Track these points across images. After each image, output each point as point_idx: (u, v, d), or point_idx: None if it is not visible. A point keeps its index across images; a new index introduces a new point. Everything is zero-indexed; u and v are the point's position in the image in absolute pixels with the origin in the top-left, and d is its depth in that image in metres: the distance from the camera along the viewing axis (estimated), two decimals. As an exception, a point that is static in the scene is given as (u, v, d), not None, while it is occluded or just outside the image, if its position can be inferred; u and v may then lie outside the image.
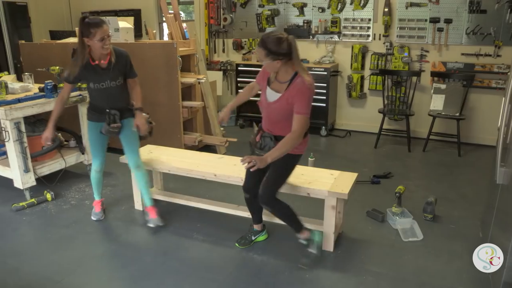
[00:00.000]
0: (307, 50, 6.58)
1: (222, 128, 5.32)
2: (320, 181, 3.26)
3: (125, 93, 3.36)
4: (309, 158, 4.57)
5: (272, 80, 2.85)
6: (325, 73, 6.07)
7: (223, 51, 7.23)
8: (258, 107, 2.94)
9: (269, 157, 2.70)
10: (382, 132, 5.89)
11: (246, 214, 3.52)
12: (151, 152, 4.00)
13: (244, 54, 7.04)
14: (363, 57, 6.25)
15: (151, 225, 3.59)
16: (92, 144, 3.51)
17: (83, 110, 4.53)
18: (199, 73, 5.40)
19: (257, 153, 2.86)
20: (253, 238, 3.35)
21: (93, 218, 3.76)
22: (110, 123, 3.35)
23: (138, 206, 3.97)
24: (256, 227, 3.36)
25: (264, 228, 3.41)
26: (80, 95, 4.40)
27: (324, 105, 6.17)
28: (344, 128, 6.59)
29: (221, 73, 7.06)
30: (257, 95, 3.08)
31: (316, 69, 6.11)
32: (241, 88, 6.78)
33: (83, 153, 4.64)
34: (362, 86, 6.38)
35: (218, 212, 3.72)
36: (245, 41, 7.03)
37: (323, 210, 3.21)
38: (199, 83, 5.28)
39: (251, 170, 2.70)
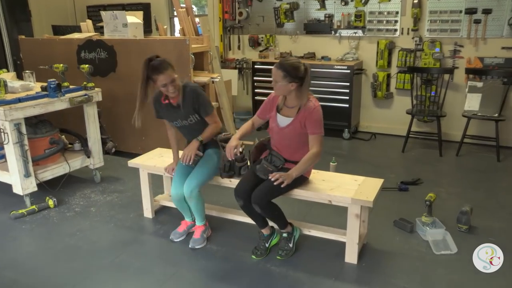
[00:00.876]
0: (328, 46, 6.58)
1: (236, 130, 5.34)
2: (342, 188, 3.25)
3: (205, 128, 3.47)
4: (331, 163, 4.56)
5: (281, 107, 3.18)
6: (348, 71, 6.05)
7: (239, 48, 7.26)
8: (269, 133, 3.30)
9: (294, 173, 3.06)
10: (410, 135, 5.85)
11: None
12: (161, 156, 4.04)
13: (261, 51, 7.05)
14: (390, 54, 6.21)
15: (190, 245, 3.48)
16: (176, 173, 3.55)
17: (88, 111, 4.59)
18: (213, 72, 5.43)
19: (265, 166, 3.15)
20: (267, 245, 3.36)
21: (171, 237, 3.58)
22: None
23: (147, 213, 4.00)
24: (265, 231, 3.38)
25: (274, 230, 3.44)
26: (85, 94, 4.46)
27: (347, 105, 6.15)
28: (368, 131, 6.57)
29: (236, 71, 7.09)
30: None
31: (338, 67, 6.10)
32: (258, 88, 6.81)
33: (88, 157, 4.70)
34: (388, 85, 6.35)
35: (232, 220, 3.73)
36: (262, 37, 7.05)
37: (346, 219, 3.19)
38: (213, 82, 5.31)
39: (281, 186, 3.02)
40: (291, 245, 3.32)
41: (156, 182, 4.25)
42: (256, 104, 6.83)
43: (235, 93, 6.99)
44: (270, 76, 6.57)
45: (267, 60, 6.74)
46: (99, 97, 4.65)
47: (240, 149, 3.33)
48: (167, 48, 4.98)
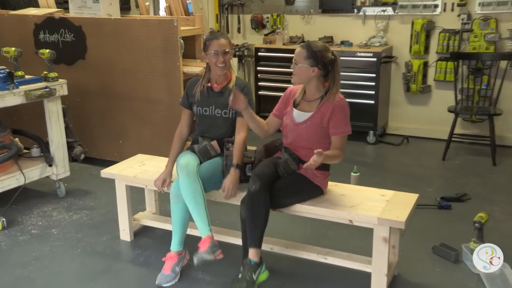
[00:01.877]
0: (350, 28, 6.58)
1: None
2: (367, 204, 3.24)
3: (229, 130, 3.60)
4: (352, 173, 4.55)
5: (298, 101, 3.34)
6: (374, 59, 6.05)
7: (239, 31, 7.27)
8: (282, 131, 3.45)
9: (326, 156, 3.08)
10: (453, 139, 5.83)
11: (268, 247, 3.51)
12: (143, 164, 4.03)
13: (266, 35, 7.06)
14: (428, 37, 6.22)
15: (194, 261, 3.28)
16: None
17: (50, 108, 4.59)
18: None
19: (289, 163, 3.31)
20: (254, 277, 3.20)
21: (158, 282, 3.38)
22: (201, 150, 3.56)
23: (124, 235, 3.99)
24: (254, 256, 3.20)
25: (262, 261, 3.29)
26: (46, 87, 4.46)
27: (373, 102, 6.15)
28: (399, 133, 6.57)
29: (235, 60, 7.11)
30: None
31: (362, 54, 6.10)
32: (262, 80, 6.81)
33: (50, 165, 4.69)
34: (425, 76, 6.35)
35: (230, 243, 3.71)
36: (268, 18, 7.07)
37: (371, 244, 3.17)
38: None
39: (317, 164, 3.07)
40: (255, 276, 3.19)
41: (136, 196, 4.24)
42: (261, 101, 6.83)
43: (234, 86, 6.99)
44: (277, 66, 6.69)
45: (273, 46, 6.74)
46: (64, 90, 4.65)
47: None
48: (150, 31, 4.98)
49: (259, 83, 6.85)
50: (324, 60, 3.18)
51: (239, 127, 3.55)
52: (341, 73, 6.12)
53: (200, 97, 3.59)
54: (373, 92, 6.13)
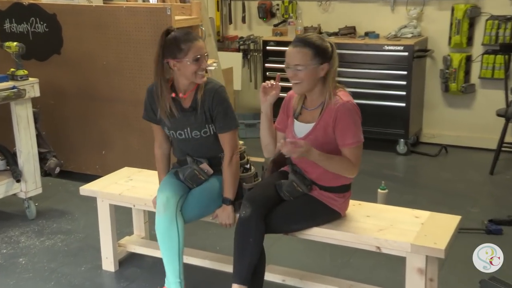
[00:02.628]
0: (376, 17, 6.58)
1: (241, 142, 5.32)
2: (398, 228, 3.21)
3: (219, 146, 3.52)
4: (379, 190, 4.52)
5: (298, 111, 3.26)
6: (406, 53, 6.04)
7: (243, 20, 7.28)
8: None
9: (316, 153, 3.04)
10: (503, 148, 5.80)
11: (280, 278, 3.49)
12: (130, 179, 4.03)
13: (276, 26, 7.05)
14: (472, 25, 6.20)
15: None
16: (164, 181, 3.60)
17: (18, 112, 4.58)
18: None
19: (295, 185, 3.21)
20: None
21: None
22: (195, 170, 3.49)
23: (107, 265, 3.96)
24: None
25: None
26: (13, 87, 4.46)
27: (403, 105, 6.13)
28: (436, 142, 6.54)
29: (239, 55, 7.09)
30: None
31: (390, 47, 6.09)
32: (272, 79, 6.74)
33: (18, 180, 4.69)
34: (468, 73, 6.32)
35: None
36: (278, 5, 7.07)
37: (402, 276, 3.14)
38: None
39: (292, 156, 3.09)
40: None
41: (122, 218, 4.24)
42: (269, 103, 6.80)
43: (238, 86, 7.00)
44: None
45: (284, 39, 6.72)
46: (35, 91, 4.65)
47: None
48: (139, 21, 4.99)
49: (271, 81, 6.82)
50: (328, 53, 3.11)
51: (222, 143, 3.46)
52: (366, 71, 6.29)
53: (168, 120, 3.46)
54: (404, 93, 6.10)
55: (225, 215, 3.43)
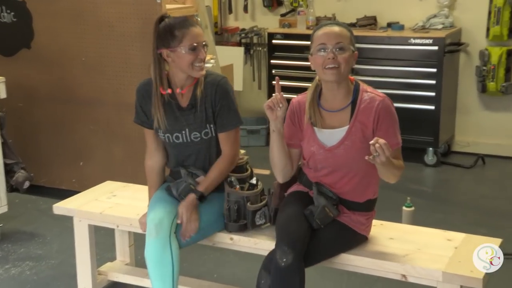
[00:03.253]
0: (400, 4, 6.61)
1: (243, 151, 5.33)
2: (427, 253, 3.20)
3: (216, 156, 3.53)
4: (404, 208, 4.51)
5: (315, 116, 3.20)
6: (435, 47, 6.05)
7: (245, 9, 7.30)
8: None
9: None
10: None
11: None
12: (114, 195, 4.02)
13: (283, 16, 7.09)
14: (514, 14, 6.23)
15: None
16: (155, 199, 3.56)
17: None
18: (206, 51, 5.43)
19: (327, 211, 3.15)
20: None
21: None
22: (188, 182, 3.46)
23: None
24: None
25: None
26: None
27: (433, 107, 6.15)
28: (471, 151, 6.57)
29: (241, 50, 7.13)
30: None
31: (417, 41, 6.10)
32: (277, 77, 6.77)
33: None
34: (509, 70, 6.33)
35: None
36: (286, -9, 7.12)
37: (434, 309, 3.13)
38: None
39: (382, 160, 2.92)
40: None
41: (103, 241, 4.23)
42: (275, 106, 6.80)
43: (239, 86, 7.03)
44: (298, 58, 6.67)
45: (293, 31, 6.76)
46: (0, 92, 4.68)
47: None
48: (123, 11, 5.00)
49: (273, 82, 6.81)
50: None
51: (223, 144, 3.47)
52: (389, 68, 6.30)
53: (164, 120, 3.45)
54: (433, 94, 6.11)
55: (184, 206, 3.34)
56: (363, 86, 3.20)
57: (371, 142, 2.87)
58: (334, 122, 3.18)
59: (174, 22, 3.36)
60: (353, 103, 3.14)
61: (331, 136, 3.17)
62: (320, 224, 3.13)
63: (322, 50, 3.08)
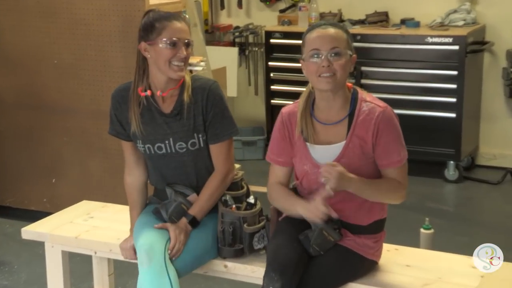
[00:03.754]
0: (417, 0, 6.64)
1: (237, 165, 5.32)
2: (448, 282, 3.18)
3: (210, 167, 3.50)
4: (422, 230, 4.49)
5: (309, 129, 3.15)
6: (456, 47, 6.07)
7: (240, 5, 7.32)
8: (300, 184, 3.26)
9: (356, 179, 2.98)
10: None
11: None
12: (90, 216, 4.00)
13: (282, 12, 7.12)
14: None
15: None
16: (141, 224, 3.51)
17: None
18: (190, 53, 5.42)
19: (326, 235, 3.09)
20: None
21: None
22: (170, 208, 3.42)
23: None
24: None
25: None
26: None
27: (454, 115, 6.16)
28: (498, 165, 6.60)
29: (235, 51, 7.17)
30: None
31: (435, 39, 6.13)
32: (276, 82, 6.84)
33: None
34: (539, 72, 6.33)
35: None
36: (285, -17, 7.15)
37: None
38: (191, 72, 5.31)
39: (331, 186, 2.93)
40: None
41: (79, 269, 4.24)
42: (274, 113, 6.81)
43: (233, 92, 7.05)
44: (297, 60, 6.55)
45: (293, 29, 6.78)
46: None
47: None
48: (101, 6, 5.01)
49: (271, 87, 6.88)
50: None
51: (216, 158, 3.44)
52: (402, 70, 6.30)
53: (142, 129, 3.42)
54: (454, 100, 6.12)
55: (177, 228, 3.32)
56: (362, 94, 3.13)
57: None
58: (330, 136, 3.12)
59: (158, 14, 3.37)
60: (351, 115, 3.08)
61: (325, 153, 3.11)
62: (319, 250, 3.09)
63: (316, 56, 3.03)
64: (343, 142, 3.06)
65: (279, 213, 3.36)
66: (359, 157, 3.06)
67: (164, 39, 3.27)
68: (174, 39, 3.28)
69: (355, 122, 3.05)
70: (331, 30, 3.06)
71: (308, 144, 3.14)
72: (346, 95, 3.11)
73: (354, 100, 3.10)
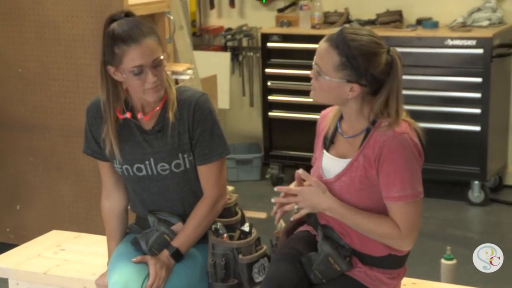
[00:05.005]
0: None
1: (231, 188, 5.33)
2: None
3: (199, 191, 3.49)
4: (443, 260, 4.51)
5: (332, 136, 3.21)
6: (480, 50, 6.09)
7: (232, 3, 7.35)
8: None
9: (336, 204, 3.03)
10: None
11: None
12: (61, 249, 4.01)
13: (281, 11, 7.15)
14: None
15: None
16: (117, 257, 3.49)
17: None
18: (177, 60, 5.46)
19: (331, 262, 3.07)
20: None
21: None
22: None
23: None
24: None
25: None
26: None
27: (478, 128, 6.18)
28: (530, 186, 6.60)
29: (227, 56, 7.19)
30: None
31: (456, 42, 6.14)
32: (274, 92, 6.84)
33: None
34: None
35: None
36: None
37: None
38: (176, 82, 5.31)
39: (293, 216, 3.06)
40: None
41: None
42: (272, 129, 6.89)
43: (225, 103, 7.06)
44: (301, 67, 6.68)
45: (293, 31, 6.84)
46: None
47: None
48: (74, 7, 5.03)
49: (268, 97, 6.89)
50: (374, 69, 2.98)
51: (204, 182, 3.43)
52: (419, 78, 6.30)
53: (119, 147, 3.41)
54: (478, 111, 6.14)
55: (158, 262, 3.32)
56: (391, 116, 3.06)
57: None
58: (344, 149, 3.14)
59: (117, 33, 3.27)
60: (368, 131, 3.08)
61: (333, 166, 3.15)
62: (321, 278, 3.08)
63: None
64: (350, 159, 3.08)
65: (288, 235, 3.36)
66: (360, 179, 3.04)
67: (127, 69, 3.22)
68: (137, 68, 3.21)
69: (367, 140, 3.05)
70: (325, 45, 3.03)
71: (324, 152, 3.19)
72: (360, 111, 3.09)
73: (375, 118, 3.06)
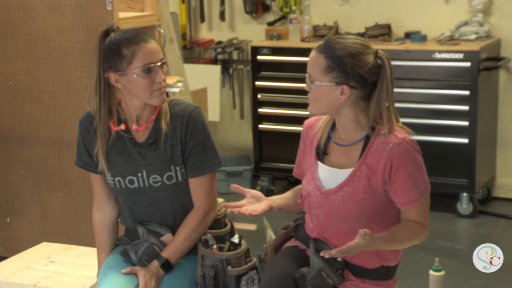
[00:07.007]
0: (422, 10, 6.67)
1: (221, 200, 5.33)
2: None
3: (189, 203, 3.50)
4: (431, 271, 4.50)
5: (325, 146, 3.20)
6: (467, 64, 6.11)
7: (222, 16, 7.34)
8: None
9: (380, 239, 2.99)
10: None
11: None
12: (51, 261, 3.98)
13: (271, 25, 7.16)
14: None
15: None
16: (106, 269, 3.49)
17: None
18: (167, 72, 5.42)
19: (324, 276, 3.07)
20: None
21: None
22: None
23: None
24: None
25: None
26: None
27: (466, 141, 6.19)
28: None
29: (217, 69, 7.18)
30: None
31: (444, 55, 6.15)
32: (265, 104, 6.82)
33: None
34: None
35: None
36: (273, -7, 7.19)
37: None
38: (167, 95, 5.32)
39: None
40: None
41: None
42: (263, 142, 6.88)
43: (216, 116, 7.06)
44: (291, 79, 6.67)
45: (283, 44, 6.83)
46: None
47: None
48: (64, 20, 5.01)
49: (259, 110, 6.89)
50: (360, 68, 2.99)
51: (195, 194, 3.44)
52: (409, 90, 6.28)
53: (114, 157, 3.43)
54: (466, 124, 6.15)
55: (147, 273, 3.31)
56: (387, 120, 3.07)
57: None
58: (340, 159, 3.13)
59: (121, 37, 3.31)
60: (367, 139, 3.07)
61: (331, 177, 3.12)
62: None
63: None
64: (352, 169, 3.06)
65: (276, 250, 3.35)
66: (364, 189, 3.03)
67: (137, 68, 3.24)
68: (149, 65, 3.25)
69: (368, 149, 3.05)
70: (313, 54, 3.08)
71: (318, 163, 3.17)
72: (356, 119, 3.09)
73: (373, 125, 3.07)
